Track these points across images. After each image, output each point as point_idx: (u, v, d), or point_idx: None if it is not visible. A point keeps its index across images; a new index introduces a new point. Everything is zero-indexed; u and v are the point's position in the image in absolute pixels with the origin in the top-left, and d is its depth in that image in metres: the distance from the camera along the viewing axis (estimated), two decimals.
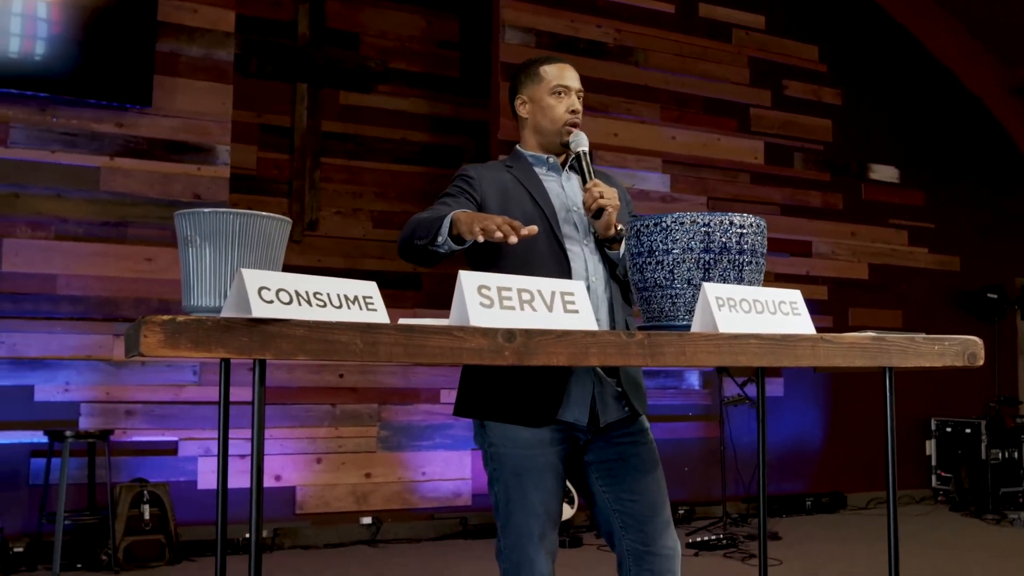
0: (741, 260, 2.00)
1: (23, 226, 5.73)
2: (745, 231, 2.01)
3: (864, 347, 1.94)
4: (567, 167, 2.71)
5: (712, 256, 1.99)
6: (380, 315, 1.75)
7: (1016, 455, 8.01)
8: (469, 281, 1.75)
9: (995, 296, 8.83)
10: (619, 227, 2.50)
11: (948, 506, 8.07)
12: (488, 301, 1.75)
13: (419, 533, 6.44)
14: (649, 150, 7.68)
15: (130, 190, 5.97)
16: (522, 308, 1.77)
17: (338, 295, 1.71)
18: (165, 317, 1.56)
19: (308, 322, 1.60)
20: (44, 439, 5.43)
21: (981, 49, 9.00)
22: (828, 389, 8.17)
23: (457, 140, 8.19)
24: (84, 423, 5.71)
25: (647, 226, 2.04)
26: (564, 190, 2.67)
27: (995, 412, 8.25)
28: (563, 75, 2.67)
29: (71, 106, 5.84)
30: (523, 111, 2.73)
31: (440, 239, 2.35)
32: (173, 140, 6.12)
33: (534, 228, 2.20)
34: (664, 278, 2.02)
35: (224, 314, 1.64)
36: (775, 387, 7.89)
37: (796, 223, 8.23)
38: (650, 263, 2.03)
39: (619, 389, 2.55)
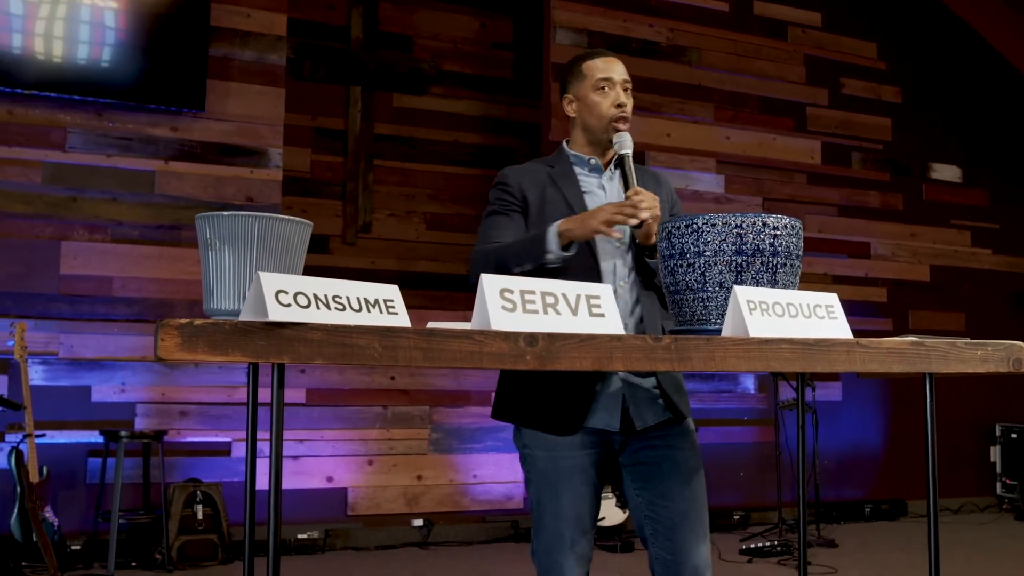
0: (775, 262, 1.95)
1: (80, 229, 5.82)
2: (779, 232, 1.95)
3: (903, 352, 1.87)
4: (611, 167, 2.65)
5: (744, 258, 1.93)
6: (401, 319, 1.73)
7: None
8: (491, 284, 1.72)
9: None
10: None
11: (1013, 515, 7.86)
12: (511, 304, 1.72)
13: (470, 536, 6.43)
14: (703, 150, 7.60)
15: (184, 193, 6.04)
16: (545, 312, 1.74)
17: (358, 298, 1.69)
18: (183, 320, 1.56)
19: (326, 326, 1.58)
20: (100, 439, 5.52)
21: None
22: (888, 393, 8.01)
23: (509, 141, 8.17)
24: (139, 423, 5.79)
25: (678, 228, 1.99)
26: (604, 191, 2.63)
27: None
28: (606, 68, 2.61)
29: (126, 111, 5.92)
30: (570, 110, 2.68)
31: (551, 255, 2.39)
32: (226, 144, 6.17)
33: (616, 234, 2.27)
34: (696, 281, 1.97)
35: (242, 317, 1.63)
36: (833, 391, 7.74)
37: (854, 224, 8.08)
38: (681, 266, 1.99)
39: (657, 391, 2.50)
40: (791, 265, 1.98)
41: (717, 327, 1.92)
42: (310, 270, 1.76)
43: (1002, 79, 8.99)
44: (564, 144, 2.72)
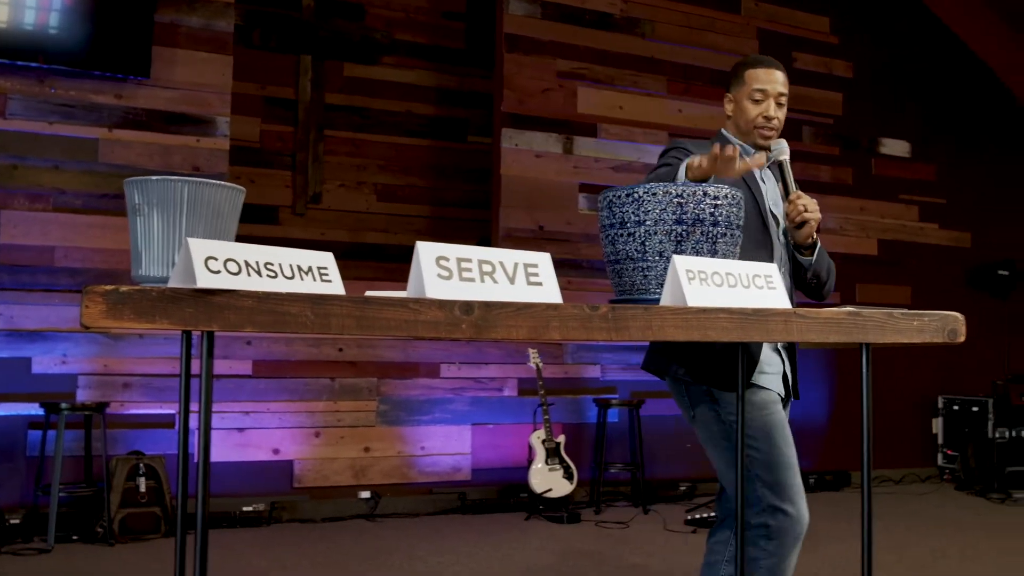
0: (715, 232, 1.94)
1: (21, 198, 5.69)
2: (719, 203, 1.94)
3: (840, 322, 1.88)
4: (766, 167, 2.86)
5: (685, 228, 1.93)
6: (335, 286, 1.70)
7: (1023, 434, 7.92)
8: (427, 252, 1.69)
9: (1006, 273, 8.72)
10: (815, 236, 2.73)
11: (954, 485, 8.00)
12: (447, 272, 1.69)
13: (417, 508, 6.42)
14: (655, 123, 7.59)
15: (129, 162, 5.93)
16: (482, 280, 1.72)
17: (290, 265, 1.66)
18: (108, 287, 1.52)
19: (257, 293, 1.55)
20: (41, 411, 5.43)
21: (995, 19, 8.84)
22: (833, 365, 8.10)
23: (462, 112, 8.12)
24: (81, 395, 5.70)
25: (619, 197, 1.98)
26: (764, 184, 2.83)
27: (1003, 390, 8.16)
28: (763, 80, 2.78)
29: (69, 77, 5.79)
30: (728, 109, 2.88)
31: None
32: (172, 112, 6.07)
33: (760, 158, 2.33)
34: (636, 250, 1.96)
35: (171, 284, 1.59)
36: None
37: None
38: (622, 235, 1.97)
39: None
40: (731, 235, 1.97)
41: (656, 296, 1.91)
42: (259, 241, 1.73)
43: (953, 55, 9.06)
44: (724, 131, 2.92)
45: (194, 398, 1.73)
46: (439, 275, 1.68)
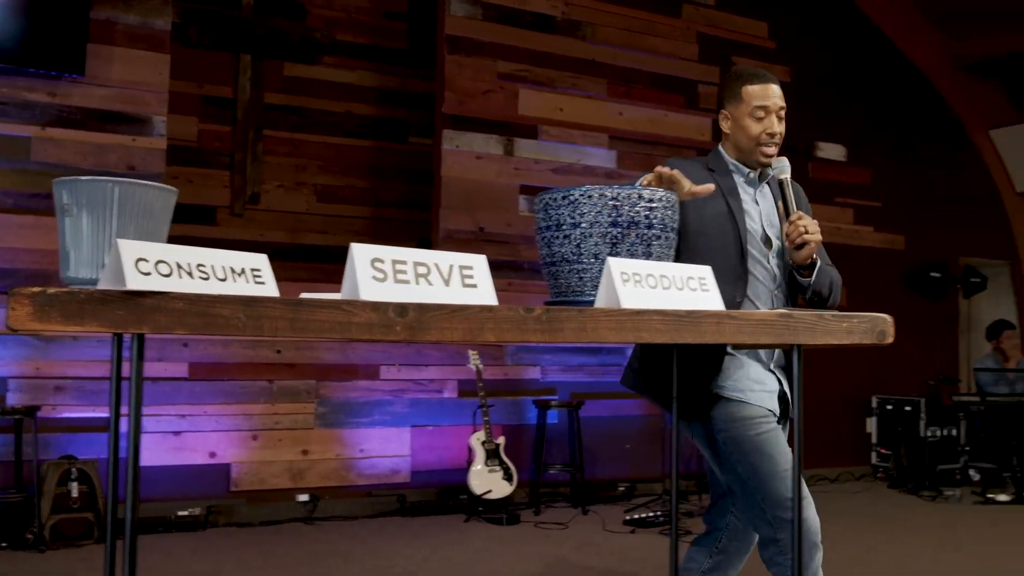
0: (650, 235, 1.95)
1: None
2: (654, 205, 1.96)
3: (772, 324, 1.90)
4: (763, 183, 2.84)
5: (620, 230, 1.94)
6: (268, 288, 1.68)
7: (953, 433, 8.10)
8: (361, 253, 1.68)
9: (938, 275, 8.90)
10: (814, 256, 2.69)
11: (887, 483, 8.15)
12: (381, 274, 1.68)
13: (356, 510, 6.39)
14: (595, 125, 7.63)
15: (62, 161, 5.82)
16: (417, 282, 1.71)
17: (223, 267, 1.64)
18: (35, 289, 1.50)
19: (188, 295, 1.53)
20: None
21: (929, 26, 9.02)
22: None
23: (403, 113, 8.08)
24: (12, 399, 5.58)
25: (555, 199, 1.98)
26: (758, 206, 2.81)
27: (934, 390, 8.33)
28: (762, 95, 2.75)
29: (1, 74, 5.67)
30: (724, 126, 2.84)
31: None
32: (107, 110, 5.97)
33: (710, 187, 2.30)
34: (571, 252, 1.96)
35: (100, 286, 1.57)
36: None
37: None
38: (557, 237, 1.98)
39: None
40: (666, 238, 1.99)
41: (591, 298, 1.92)
42: (197, 241, 1.71)
43: (887, 60, 9.23)
44: (720, 149, 2.88)
45: (126, 401, 1.70)
46: (374, 277, 1.67)
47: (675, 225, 2.03)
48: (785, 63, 8.61)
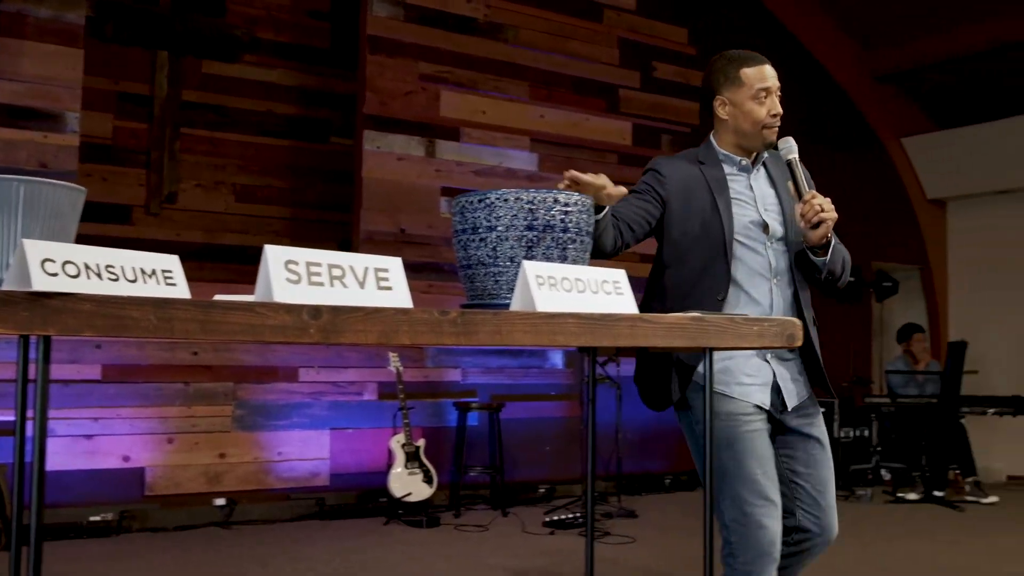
0: (565, 239, 1.97)
1: None
2: (570, 209, 1.98)
3: (684, 328, 1.93)
4: (758, 166, 2.79)
5: (536, 234, 1.95)
6: (179, 290, 1.66)
7: (866, 433, 8.29)
8: (275, 255, 1.67)
9: (852, 279, 9.09)
10: (829, 236, 2.62)
11: None
12: (295, 277, 1.67)
13: (274, 514, 6.32)
14: (517, 128, 7.66)
15: None
16: (332, 284, 1.70)
17: (133, 268, 1.62)
18: None
19: (96, 296, 1.50)
20: None
21: (843, 36, 9.23)
22: None
23: (325, 113, 8.02)
24: None
25: (471, 202, 1.99)
26: (752, 190, 2.75)
27: (848, 392, 8.51)
28: (762, 77, 2.71)
29: None
30: (722, 112, 2.76)
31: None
32: (17, 105, 5.83)
33: (622, 190, 2.34)
34: (487, 255, 1.97)
35: (5, 287, 1.53)
36: None
37: None
38: (474, 240, 1.99)
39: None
40: (581, 241, 2.01)
41: (506, 301, 1.93)
42: (111, 241, 1.68)
43: (804, 69, 9.42)
44: (712, 140, 2.82)
45: (33, 404, 1.66)
46: (287, 279, 1.66)
47: (590, 229, 2.05)
48: (704, 68, 8.72)
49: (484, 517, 6.46)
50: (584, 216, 2.01)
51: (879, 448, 8.19)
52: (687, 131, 8.56)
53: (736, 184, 2.74)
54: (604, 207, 2.42)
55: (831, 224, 2.57)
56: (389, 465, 6.29)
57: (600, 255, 2.52)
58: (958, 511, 7.05)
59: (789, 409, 2.67)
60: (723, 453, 2.59)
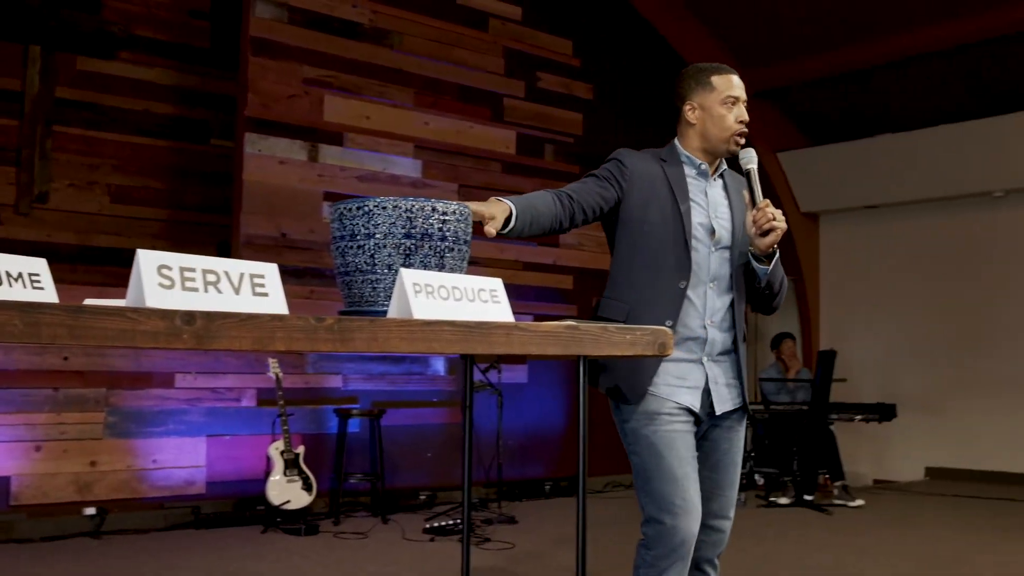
0: (443, 247, 1.99)
1: None
2: (448, 218, 2.00)
3: (558, 336, 1.97)
4: (716, 175, 2.85)
5: (414, 242, 1.97)
6: (47, 294, 1.63)
7: None
8: (147, 260, 1.65)
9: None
10: (775, 248, 2.72)
11: None
12: (168, 282, 1.66)
13: (148, 523, 6.17)
14: (402, 135, 7.65)
15: None
16: (206, 290, 1.69)
17: None
18: None
19: None
20: None
21: (722, 53, 9.47)
22: (570, 376, 8.41)
23: (204, 114, 7.86)
24: None
25: (350, 210, 1.99)
26: (706, 197, 2.81)
27: None
28: (731, 85, 2.79)
29: None
30: (692, 117, 2.83)
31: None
32: None
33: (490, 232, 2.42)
34: (365, 263, 1.98)
35: None
36: (519, 374, 8.04)
37: None
38: (352, 247, 1.99)
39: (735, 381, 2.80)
40: (459, 250, 2.03)
41: (384, 308, 1.94)
42: None
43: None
44: (676, 143, 2.89)
45: None
46: (160, 284, 1.65)
47: (467, 238, 2.07)
48: (588, 80, 8.87)
49: (364, 524, 6.42)
50: (462, 225, 2.03)
51: (753, 454, 8.41)
52: (571, 141, 8.68)
53: (692, 187, 2.82)
54: (509, 221, 2.52)
55: (780, 234, 2.67)
56: (267, 472, 6.21)
57: (546, 235, 2.72)
58: (827, 514, 7.29)
59: (717, 414, 2.76)
60: (644, 450, 2.69)
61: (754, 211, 2.69)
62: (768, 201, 2.68)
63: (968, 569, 5.34)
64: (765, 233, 2.67)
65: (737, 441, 2.86)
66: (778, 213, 2.67)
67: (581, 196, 2.76)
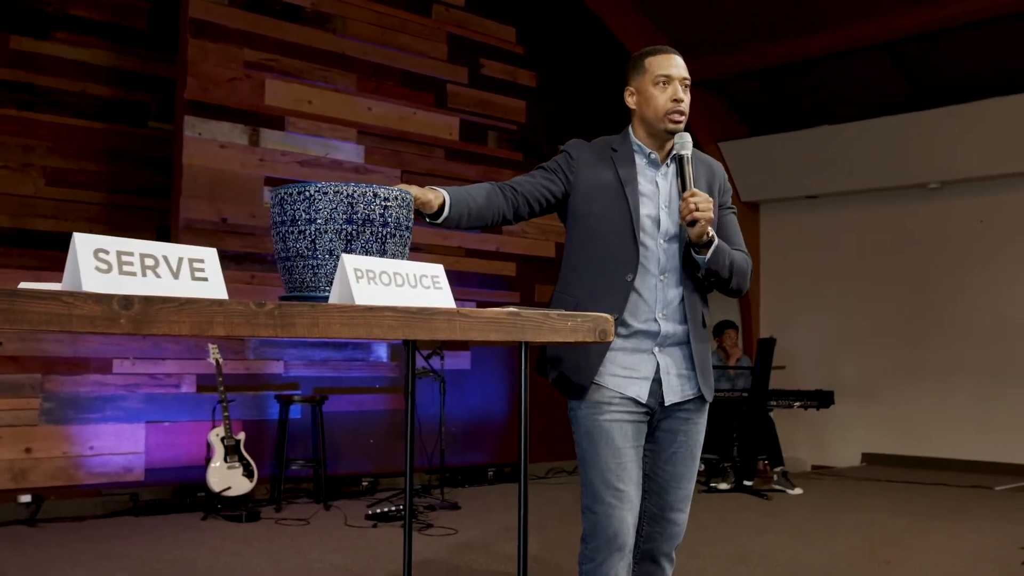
0: (384, 232, 1.99)
1: None
2: (389, 204, 2.00)
3: (500, 322, 1.98)
4: (667, 162, 2.78)
5: (355, 227, 1.96)
6: None
7: None
8: (84, 243, 1.63)
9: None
10: (710, 234, 2.62)
11: None
12: (105, 266, 1.64)
13: (85, 511, 6.10)
14: (344, 120, 7.60)
15: None
16: (144, 274, 1.67)
17: None
18: None
19: None
20: None
21: (666, 41, 9.53)
22: (513, 362, 8.43)
23: (143, 96, 7.74)
24: None
25: (290, 195, 1.99)
26: (657, 186, 2.77)
27: None
28: (665, 65, 2.74)
29: None
30: (631, 102, 2.82)
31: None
32: None
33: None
34: (306, 248, 1.97)
35: None
36: (462, 360, 8.04)
37: None
38: (292, 232, 1.98)
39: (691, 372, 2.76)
40: (400, 236, 2.03)
41: (325, 294, 1.94)
42: None
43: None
44: (628, 131, 2.86)
45: None
46: (97, 268, 1.63)
47: (409, 224, 2.07)
48: (532, 68, 8.88)
49: (306, 511, 6.40)
50: (403, 211, 2.04)
51: None
52: (514, 128, 8.69)
53: (643, 178, 2.76)
54: (443, 211, 2.52)
55: (705, 224, 2.59)
56: (208, 459, 6.15)
57: (490, 227, 2.72)
58: (766, 499, 7.40)
59: (667, 404, 2.72)
60: (583, 440, 2.70)
61: (680, 201, 2.64)
62: (694, 190, 2.61)
63: (901, 552, 5.46)
64: (692, 224, 2.60)
65: (694, 434, 2.81)
66: (703, 202, 2.58)
67: (525, 189, 2.75)
